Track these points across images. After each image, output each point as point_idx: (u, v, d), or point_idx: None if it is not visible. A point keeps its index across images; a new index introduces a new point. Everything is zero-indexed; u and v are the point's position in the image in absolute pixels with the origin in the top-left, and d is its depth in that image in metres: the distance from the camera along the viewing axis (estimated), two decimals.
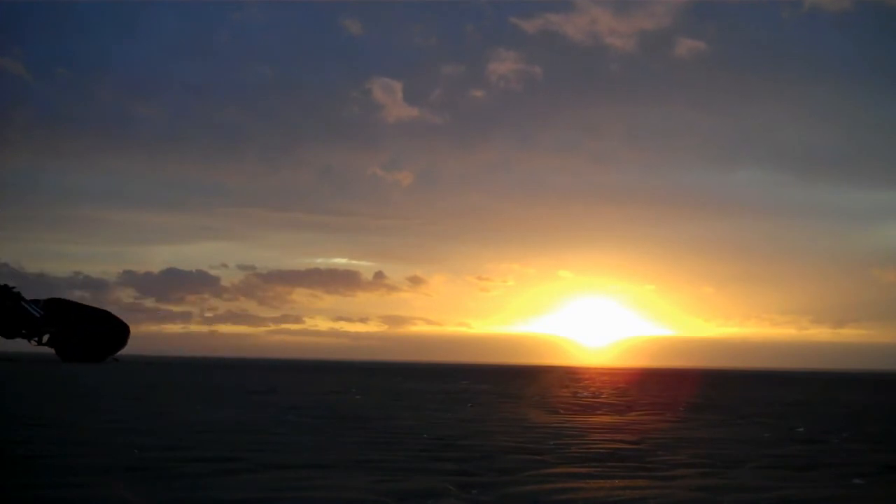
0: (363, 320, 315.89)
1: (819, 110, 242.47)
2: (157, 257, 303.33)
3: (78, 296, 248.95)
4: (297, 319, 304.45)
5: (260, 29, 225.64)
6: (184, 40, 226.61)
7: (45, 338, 77.73)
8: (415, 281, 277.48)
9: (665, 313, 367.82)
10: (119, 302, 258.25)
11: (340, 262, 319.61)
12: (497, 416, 29.08)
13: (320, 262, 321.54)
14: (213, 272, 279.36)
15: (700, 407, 37.00)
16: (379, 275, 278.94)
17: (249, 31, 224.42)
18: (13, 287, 76.61)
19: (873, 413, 34.15)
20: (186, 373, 74.54)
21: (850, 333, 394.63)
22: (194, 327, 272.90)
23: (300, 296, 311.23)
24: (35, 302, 77.17)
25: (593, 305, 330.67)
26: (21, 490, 11.88)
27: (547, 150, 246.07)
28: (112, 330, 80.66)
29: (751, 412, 33.37)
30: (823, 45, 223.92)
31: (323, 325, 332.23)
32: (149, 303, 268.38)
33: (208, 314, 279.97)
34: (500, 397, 43.32)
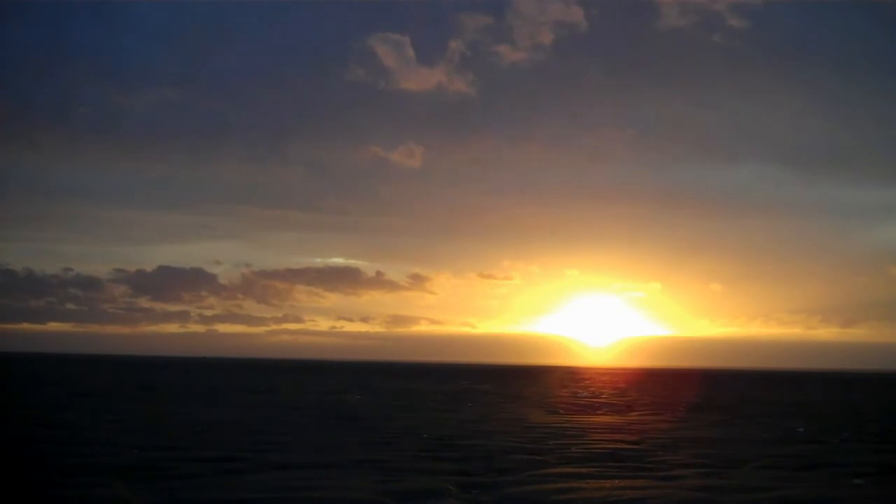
0: (365, 320, 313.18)
1: (830, 107, 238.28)
2: (155, 256, 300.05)
3: (71, 293, 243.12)
4: (298, 319, 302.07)
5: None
6: (175, 31, 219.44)
7: None
8: (417, 279, 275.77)
9: (671, 312, 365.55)
10: (115, 301, 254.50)
11: (340, 261, 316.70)
12: (497, 416, 29.16)
13: (319, 261, 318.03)
14: (209, 270, 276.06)
15: (700, 407, 37.05)
16: (380, 273, 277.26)
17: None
18: None
19: (873, 413, 34.11)
20: (186, 373, 74.61)
21: (859, 333, 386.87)
22: (193, 326, 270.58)
23: (300, 294, 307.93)
24: None
25: (598, 304, 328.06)
26: (22, 489, 11.88)
27: (545, 145, 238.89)
28: None
29: (751, 412, 33.41)
30: (835, 41, 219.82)
31: (324, 324, 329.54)
32: (143, 301, 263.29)
33: (207, 313, 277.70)
34: (501, 397, 43.37)
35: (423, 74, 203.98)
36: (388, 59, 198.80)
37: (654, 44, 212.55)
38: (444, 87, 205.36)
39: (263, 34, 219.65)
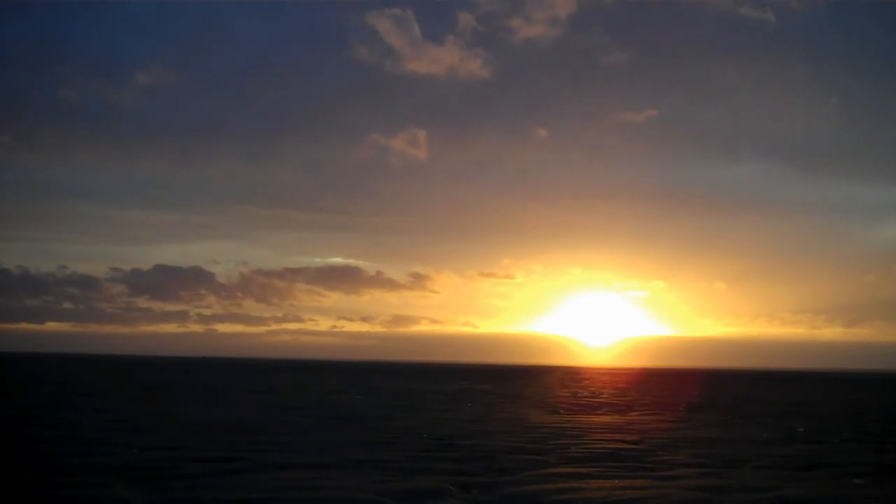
0: (365, 319, 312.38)
1: (835, 105, 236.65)
2: (152, 255, 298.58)
3: (68, 292, 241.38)
4: (298, 318, 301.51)
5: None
6: (172, 28, 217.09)
7: None
8: (417, 278, 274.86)
9: (673, 311, 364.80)
10: (112, 300, 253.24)
11: (340, 260, 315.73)
12: (497, 416, 29.17)
13: (318, 261, 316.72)
14: (208, 269, 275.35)
15: (701, 407, 37.07)
16: (380, 272, 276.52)
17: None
18: None
19: (875, 413, 34.11)
20: (185, 373, 74.63)
21: (864, 333, 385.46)
22: (192, 326, 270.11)
23: (300, 294, 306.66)
24: None
25: (601, 303, 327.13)
26: (21, 489, 11.89)
27: (548, 141, 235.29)
28: None
29: (752, 412, 33.42)
30: (839, 38, 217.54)
31: (324, 324, 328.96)
32: (142, 301, 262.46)
33: (206, 312, 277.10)
34: (501, 397, 43.38)
35: (430, 53, 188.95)
36: (390, 37, 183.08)
37: (678, 17, 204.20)
38: (455, 70, 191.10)
39: (260, 28, 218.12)
